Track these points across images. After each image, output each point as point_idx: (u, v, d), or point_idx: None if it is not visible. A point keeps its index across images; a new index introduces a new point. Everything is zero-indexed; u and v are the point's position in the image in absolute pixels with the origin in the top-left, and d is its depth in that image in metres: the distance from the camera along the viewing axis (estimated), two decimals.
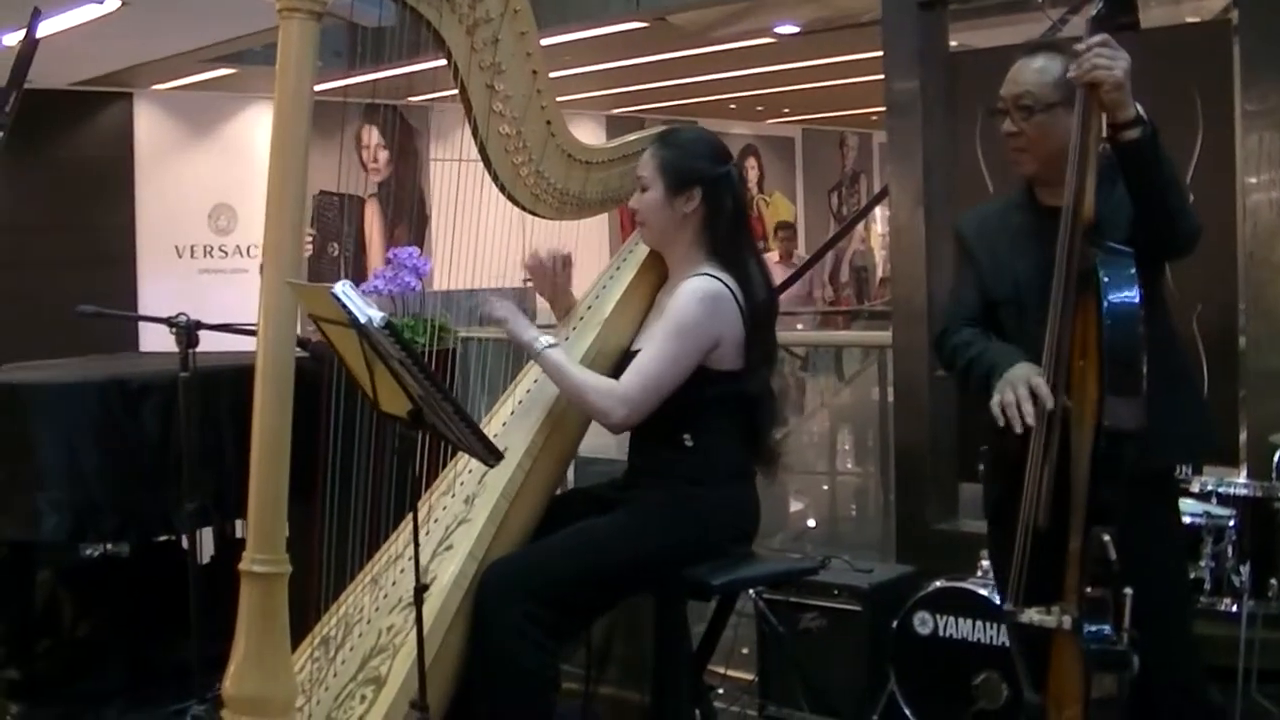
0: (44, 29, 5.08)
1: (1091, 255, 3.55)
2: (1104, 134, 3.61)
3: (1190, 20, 7.54)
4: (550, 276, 4.70)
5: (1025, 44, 4.08)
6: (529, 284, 4.85)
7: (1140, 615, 3.51)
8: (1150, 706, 3.66)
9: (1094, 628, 3.53)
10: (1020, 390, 3.65)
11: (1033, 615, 3.63)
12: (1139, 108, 3.53)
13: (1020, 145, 3.96)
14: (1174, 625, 3.94)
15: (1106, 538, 3.48)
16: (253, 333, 3.99)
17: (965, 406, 6.10)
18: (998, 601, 4.81)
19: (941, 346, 4.21)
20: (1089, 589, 3.54)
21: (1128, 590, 3.47)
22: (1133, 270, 3.54)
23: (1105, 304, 3.49)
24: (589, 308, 4.60)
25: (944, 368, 4.32)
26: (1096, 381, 3.52)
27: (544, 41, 4.39)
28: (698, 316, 4.23)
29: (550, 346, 4.31)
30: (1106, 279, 3.50)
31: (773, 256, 14.76)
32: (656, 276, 4.57)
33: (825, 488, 11.04)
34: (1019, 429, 3.63)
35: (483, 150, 4.37)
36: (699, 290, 4.26)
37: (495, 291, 4.68)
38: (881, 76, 6.51)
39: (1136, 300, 3.50)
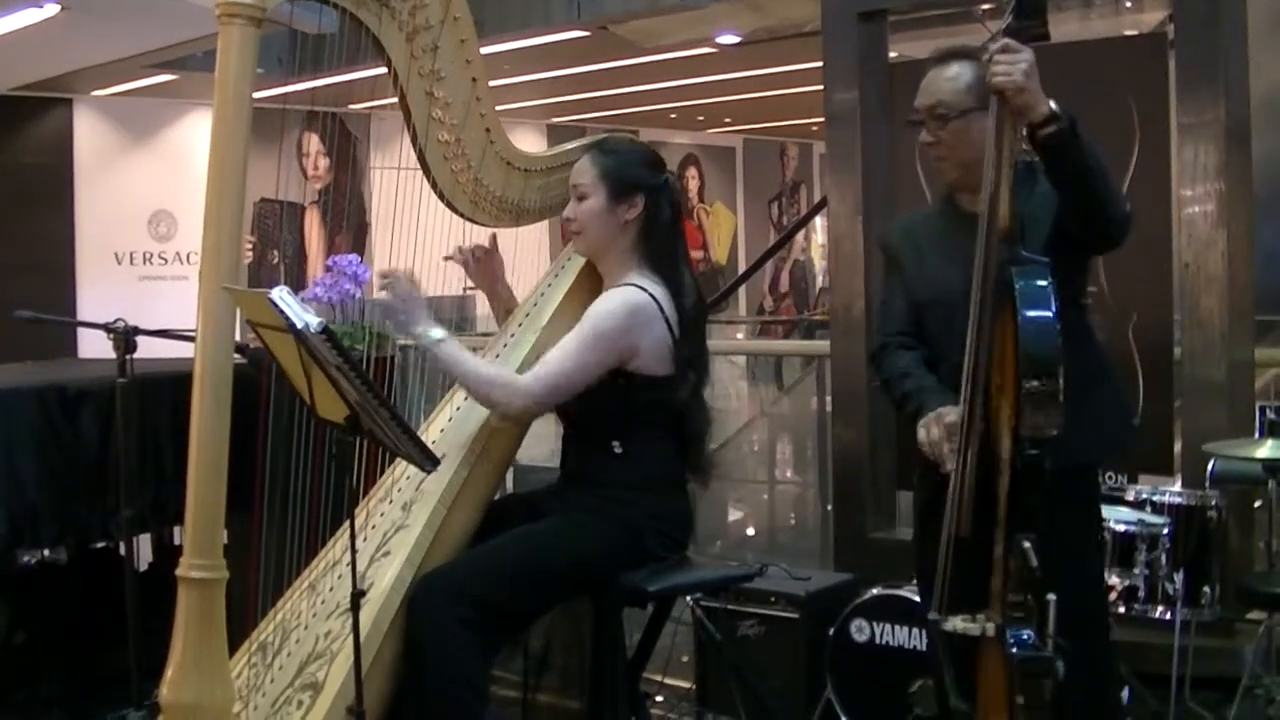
0: None
1: (1007, 265, 3.55)
2: (1023, 137, 3.62)
3: (1128, 33, 7.60)
4: (478, 267, 4.70)
5: (936, 52, 4.10)
6: (469, 291, 4.85)
7: (1068, 616, 3.52)
8: (1066, 706, 3.68)
9: (1018, 634, 3.56)
10: (934, 433, 3.77)
11: (957, 623, 3.65)
12: (1052, 104, 3.53)
13: (939, 154, 4.00)
14: (1091, 626, 3.96)
15: (1028, 544, 3.50)
16: (191, 338, 3.98)
17: (903, 417, 6.14)
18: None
19: (879, 366, 4.25)
20: (1012, 596, 3.57)
21: (1051, 596, 3.49)
22: (1047, 281, 3.54)
23: (1021, 316, 3.49)
24: (527, 314, 4.60)
25: (881, 388, 4.36)
26: (1014, 389, 3.53)
27: (485, 49, 4.39)
28: (615, 326, 4.24)
29: (440, 340, 4.27)
30: (1022, 291, 3.51)
31: None
32: (594, 284, 4.56)
33: (764, 496, 11.07)
34: (944, 468, 3.70)
35: (422, 157, 4.37)
36: (620, 300, 4.28)
37: (435, 298, 4.68)
38: (822, 87, 6.54)
39: (1052, 312, 3.50)
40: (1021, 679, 3.53)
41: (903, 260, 4.18)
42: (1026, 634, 3.54)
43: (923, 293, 4.09)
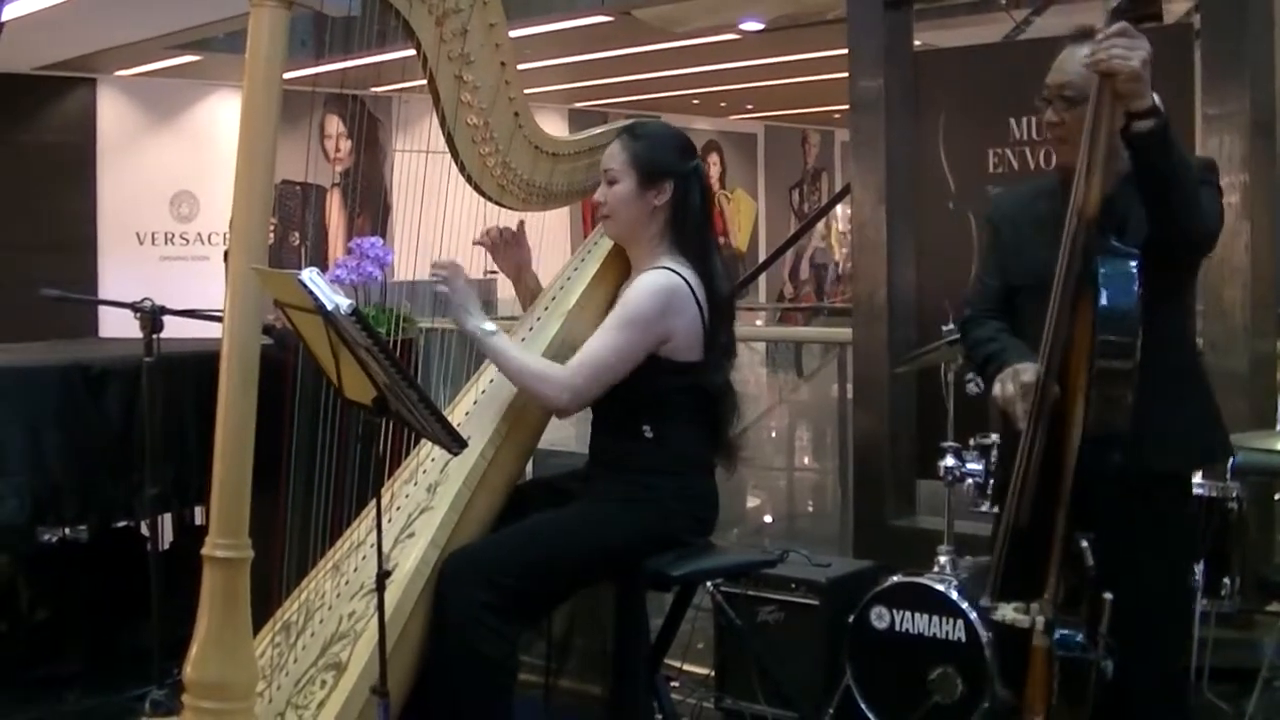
0: (7, 13, 5.08)
1: (1093, 254, 3.52)
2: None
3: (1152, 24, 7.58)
4: (505, 250, 4.71)
5: (1074, 32, 4.02)
6: (491, 275, 4.85)
7: (1134, 619, 3.52)
8: (1131, 708, 3.68)
9: (1065, 634, 3.53)
10: (1009, 389, 3.71)
11: (1007, 613, 3.62)
12: (1156, 98, 3.46)
13: (1061, 135, 3.89)
14: (1170, 632, 3.94)
15: (1085, 543, 3.47)
16: (217, 318, 4.00)
17: (925, 404, 6.15)
18: (954, 597, 4.86)
19: (965, 334, 4.23)
20: (1066, 593, 3.55)
21: (1108, 595, 3.47)
22: (1133, 271, 3.49)
23: (1099, 305, 3.45)
24: (553, 299, 4.60)
25: (965, 356, 4.34)
26: (1087, 377, 3.49)
27: (509, 34, 4.39)
28: (650, 310, 4.25)
29: (493, 333, 4.29)
30: (1104, 280, 3.47)
31: None
32: (621, 269, 4.57)
33: (783, 483, 11.08)
34: (1018, 425, 3.66)
35: (450, 141, 4.37)
36: (654, 284, 4.28)
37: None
38: (846, 74, 6.54)
39: (1132, 303, 3.45)
40: (1064, 676, 3.53)
41: (1004, 237, 4.13)
42: (1073, 635, 3.52)
43: (1016, 276, 4.03)
